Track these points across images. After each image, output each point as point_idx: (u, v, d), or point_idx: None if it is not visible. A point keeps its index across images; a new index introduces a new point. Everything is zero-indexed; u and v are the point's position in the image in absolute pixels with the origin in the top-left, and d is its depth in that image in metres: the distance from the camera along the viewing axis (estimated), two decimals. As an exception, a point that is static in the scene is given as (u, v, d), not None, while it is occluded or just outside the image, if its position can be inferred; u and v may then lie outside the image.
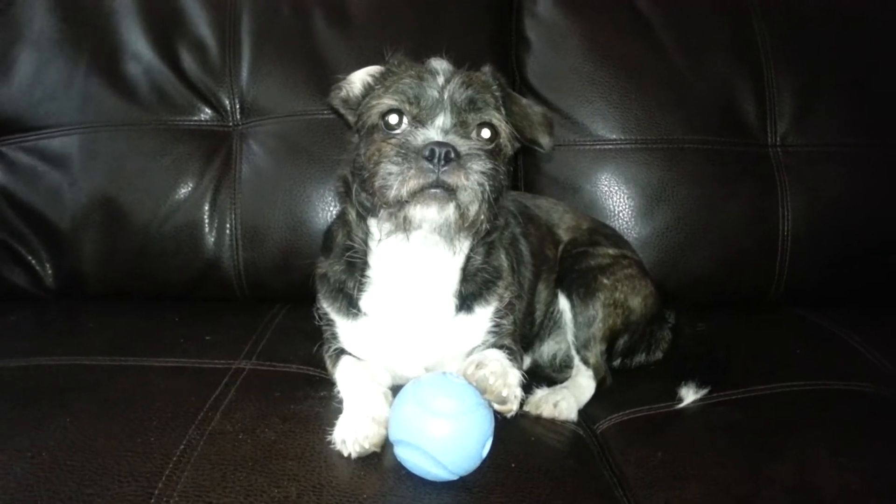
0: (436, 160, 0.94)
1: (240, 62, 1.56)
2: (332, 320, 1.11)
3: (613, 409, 1.16)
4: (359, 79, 1.11)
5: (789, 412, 1.09)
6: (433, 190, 0.94)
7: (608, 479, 0.97)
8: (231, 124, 1.54)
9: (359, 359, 1.09)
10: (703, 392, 1.17)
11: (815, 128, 1.59)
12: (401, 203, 0.95)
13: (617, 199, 1.59)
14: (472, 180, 0.95)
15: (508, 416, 0.96)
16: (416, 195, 0.95)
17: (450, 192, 0.95)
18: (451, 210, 0.95)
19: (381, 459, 0.90)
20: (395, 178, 0.94)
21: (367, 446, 0.91)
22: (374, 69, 1.11)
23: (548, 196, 1.56)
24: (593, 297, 1.25)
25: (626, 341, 1.30)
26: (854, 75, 1.61)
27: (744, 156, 1.58)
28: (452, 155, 0.94)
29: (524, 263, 1.26)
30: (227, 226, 1.49)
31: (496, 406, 0.95)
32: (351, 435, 0.91)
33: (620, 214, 1.59)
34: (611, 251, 1.33)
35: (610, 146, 1.61)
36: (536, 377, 1.25)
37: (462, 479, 0.87)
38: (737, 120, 1.59)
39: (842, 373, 1.20)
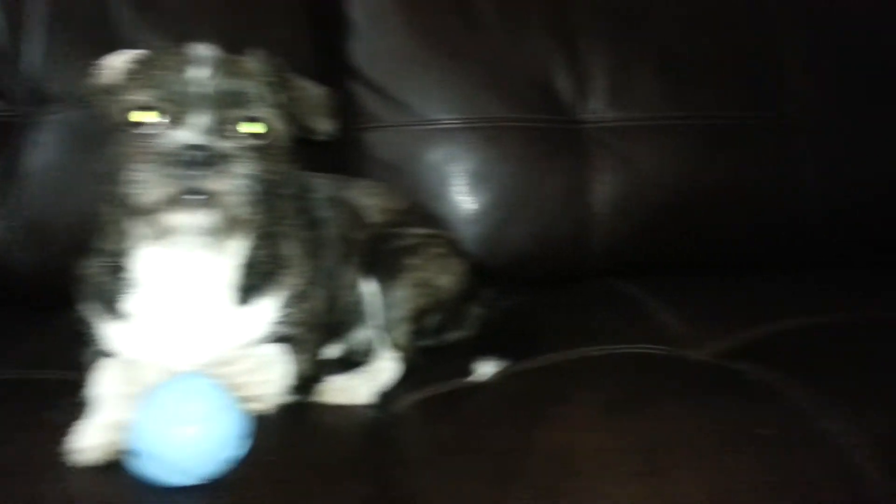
0: (192, 165, 0.88)
1: (32, 47, 1.45)
2: (94, 322, 1.03)
3: (417, 388, 1.16)
4: (116, 65, 1.02)
5: (575, 378, 1.12)
6: (190, 197, 0.88)
7: (389, 461, 0.96)
8: (19, 114, 1.43)
9: (127, 359, 1.01)
10: (505, 364, 1.19)
11: (628, 102, 1.64)
12: (155, 210, 0.89)
13: (440, 180, 1.60)
14: (234, 184, 0.90)
15: (264, 414, 0.93)
16: (172, 203, 0.88)
17: (209, 197, 0.89)
18: (211, 216, 0.90)
19: (115, 467, 0.84)
20: (147, 186, 0.88)
21: (103, 454, 0.85)
22: (134, 54, 1.03)
23: (370, 178, 1.54)
24: (399, 278, 1.24)
25: (438, 320, 1.30)
26: (667, 49, 1.67)
27: (560, 132, 1.61)
28: (211, 158, 0.88)
29: (327, 249, 1.23)
30: (13, 224, 1.37)
31: (249, 405, 0.91)
32: (88, 442, 0.85)
33: (444, 195, 1.59)
34: (420, 231, 1.32)
35: (432, 126, 1.61)
36: (349, 364, 1.23)
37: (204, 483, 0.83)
38: (553, 97, 1.63)
39: (634, 337, 1.24)
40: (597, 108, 1.63)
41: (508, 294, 1.41)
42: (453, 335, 1.34)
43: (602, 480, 0.85)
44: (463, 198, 1.59)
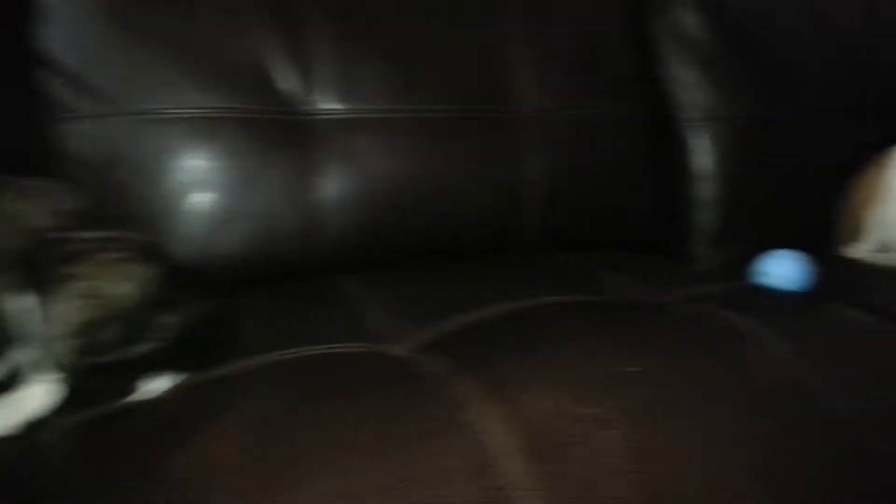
0: None
1: None
2: None
3: (75, 412, 1.02)
4: None
5: (250, 387, 1.04)
6: None
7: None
8: None
9: None
10: (183, 376, 1.09)
11: (356, 95, 1.60)
12: None
13: (151, 176, 1.45)
14: None
15: None
16: None
17: None
18: None
19: None
20: None
21: None
22: None
23: (64, 175, 1.37)
24: (62, 288, 1.09)
25: (117, 332, 1.16)
26: (398, 42, 1.66)
27: (284, 125, 1.54)
28: None
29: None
30: None
31: None
32: None
33: (156, 192, 1.45)
34: (97, 235, 1.18)
35: (141, 117, 1.46)
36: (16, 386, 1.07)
37: None
38: (276, 88, 1.55)
39: (338, 335, 1.19)
40: (323, 101, 1.58)
41: (216, 297, 1.31)
42: (140, 347, 1.22)
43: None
44: (178, 194, 1.46)
